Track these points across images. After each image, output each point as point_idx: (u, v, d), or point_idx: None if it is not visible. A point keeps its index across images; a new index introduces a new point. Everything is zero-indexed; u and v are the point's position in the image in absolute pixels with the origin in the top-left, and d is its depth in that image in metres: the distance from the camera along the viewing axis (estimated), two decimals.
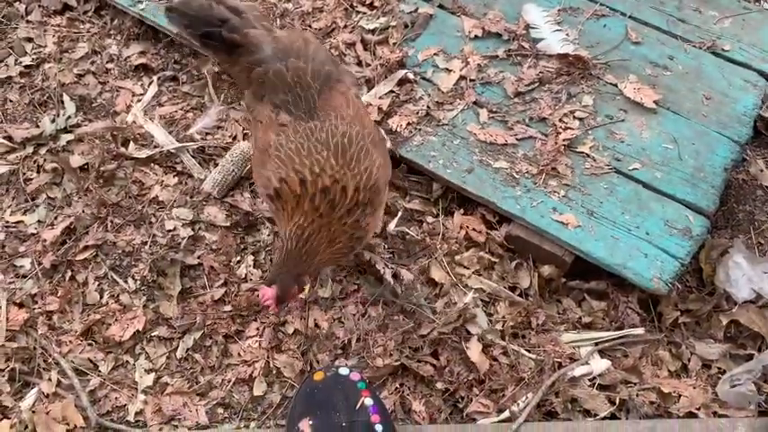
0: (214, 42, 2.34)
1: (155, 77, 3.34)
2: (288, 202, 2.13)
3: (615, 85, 3.04)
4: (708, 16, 3.31)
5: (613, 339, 2.58)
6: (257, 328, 2.62)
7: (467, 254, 2.75)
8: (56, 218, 2.89)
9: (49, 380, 2.53)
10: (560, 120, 2.90)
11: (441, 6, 3.35)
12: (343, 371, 2.25)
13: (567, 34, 3.21)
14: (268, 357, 2.57)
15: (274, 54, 2.29)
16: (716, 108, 2.97)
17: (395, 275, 2.68)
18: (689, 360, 2.56)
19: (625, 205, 2.69)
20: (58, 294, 2.70)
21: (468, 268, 2.72)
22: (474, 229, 2.76)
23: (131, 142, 3.11)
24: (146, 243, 2.84)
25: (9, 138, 3.13)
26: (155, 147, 3.08)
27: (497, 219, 2.78)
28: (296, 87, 2.23)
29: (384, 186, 2.32)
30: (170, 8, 2.42)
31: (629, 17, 3.30)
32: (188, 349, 2.62)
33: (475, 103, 3.00)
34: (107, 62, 3.41)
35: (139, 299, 2.72)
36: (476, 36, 3.21)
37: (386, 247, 2.80)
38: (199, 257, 2.79)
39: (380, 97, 3.01)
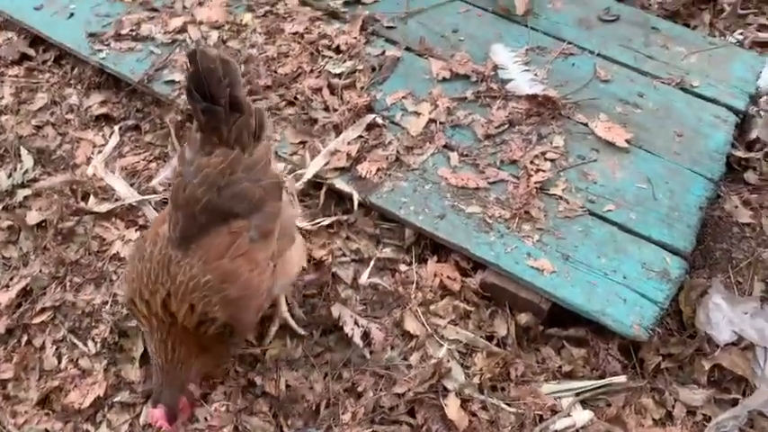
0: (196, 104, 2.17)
1: (116, 127, 3.25)
2: (138, 319, 2.19)
3: (586, 125, 3.01)
4: (675, 52, 3.31)
5: (595, 389, 2.49)
6: (224, 392, 2.49)
7: (442, 303, 2.67)
8: (11, 279, 2.76)
9: None
10: (531, 162, 2.85)
11: (408, 49, 3.32)
12: None
13: (536, 74, 3.18)
14: (237, 421, 2.45)
15: (195, 168, 2.14)
16: (688, 145, 2.94)
17: (365, 335, 2.58)
18: (673, 407, 2.48)
19: (601, 248, 2.63)
20: (14, 361, 2.56)
21: (443, 318, 2.63)
22: (448, 277, 2.67)
23: (91, 196, 3.00)
24: (106, 303, 2.71)
25: None
26: (116, 200, 2.98)
27: (472, 265, 2.71)
28: (180, 210, 2.14)
29: (243, 323, 2.25)
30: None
31: (598, 55, 3.29)
32: None
33: (445, 146, 2.95)
34: (67, 113, 3.32)
35: (100, 362, 2.58)
36: (444, 78, 3.17)
37: (358, 299, 2.70)
38: None
39: (349, 143, 2.95)
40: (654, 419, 2.46)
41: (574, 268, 2.58)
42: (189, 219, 2.13)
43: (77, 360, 2.59)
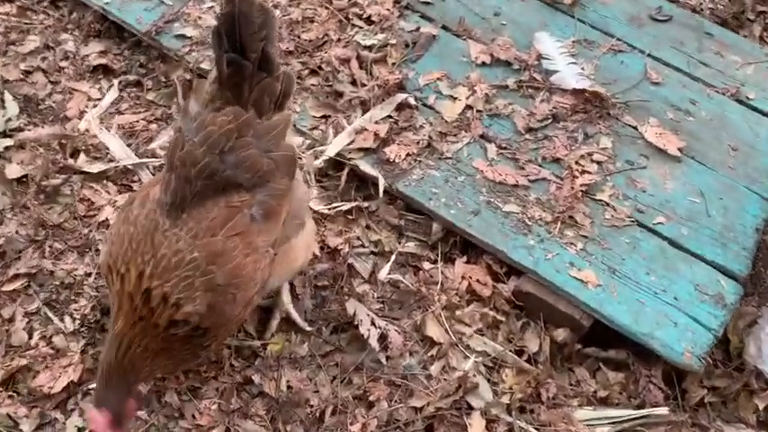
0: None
1: (115, 81, 2.91)
2: (109, 289, 1.88)
3: (635, 128, 2.75)
4: (729, 61, 3.07)
5: (633, 419, 2.23)
6: (217, 388, 2.19)
7: (468, 309, 2.39)
8: None
9: None
10: (576, 162, 2.59)
11: (445, 28, 3.03)
12: None
13: (583, 68, 2.91)
14: (229, 423, 2.14)
15: (198, 124, 1.87)
16: (743, 160, 2.70)
17: (382, 338, 2.29)
18: None
19: (650, 264, 2.37)
20: None
21: (469, 326, 2.36)
22: (478, 281, 2.39)
23: (82, 153, 2.66)
24: (90, 275, 2.38)
25: None
26: (109, 161, 2.65)
27: (505, 270, 2.43)
28: (175, 170, 1.87)
29: (225, 319, 1.91)
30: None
31: (648, 55, 3.03)
32: None
33: (482, 136, 2.67)
34: (61, 60, 2.97)
35: (77, 342, 2.26)
36: (483, 63, 2.89)
37: (375, 296, 2.41)
38: None
39: (377, 122, 2.65)
40: None
41: (621, 283, 2.32)
42: (183, 182, 1.84)
43: (51, 337, 2.27)
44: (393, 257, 2.49)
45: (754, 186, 2.63)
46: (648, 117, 2.79)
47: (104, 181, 2.61)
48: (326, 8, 3.02)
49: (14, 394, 2.15)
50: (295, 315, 2.33)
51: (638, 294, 2.30)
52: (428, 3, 3.11)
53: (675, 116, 2.82)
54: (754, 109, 2.90)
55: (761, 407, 2.25)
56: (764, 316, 2.43)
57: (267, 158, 1.92)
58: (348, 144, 2.60)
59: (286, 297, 2.34)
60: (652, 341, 2.20)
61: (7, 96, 2.79)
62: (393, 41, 2.92)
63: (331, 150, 2.58)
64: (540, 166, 2.59)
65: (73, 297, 2.35)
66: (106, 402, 1.80)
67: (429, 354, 2.31)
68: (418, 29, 2.99)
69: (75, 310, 2.31)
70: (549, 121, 2.72)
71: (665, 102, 2.86)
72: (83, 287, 2.36)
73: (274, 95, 1.96)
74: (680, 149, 2.68)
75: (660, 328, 2.22)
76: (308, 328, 2.33)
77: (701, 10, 3.46)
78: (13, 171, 2.56)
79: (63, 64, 2.97)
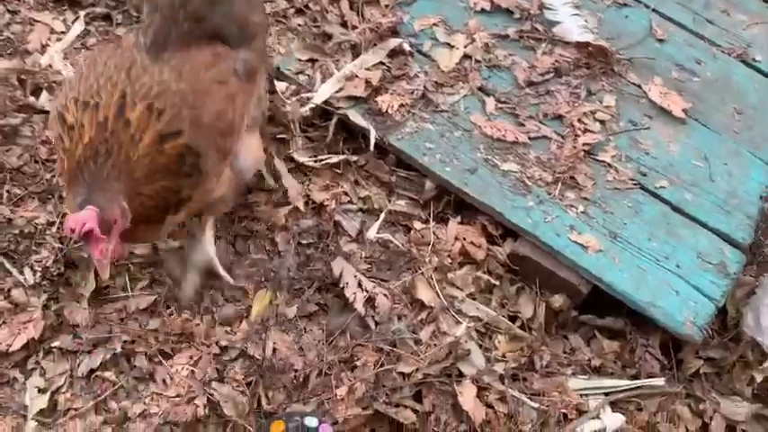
0: None
1: (81, 13, 2.65)
2: (64, 138, 1.65)
3: (639, 86, 2.61)
4: (736, 20, 2.94)
5: (628, 390, 2.15)
6: (190, 356, 2.03)
7: (461, 272, 2.26)
8: None
9: None
10: (579, 120, 2.45)
11: None
12: (311, 421, 1.71)
13: (586, 21, 2.75)
14: (204, 387, 2.00)
15: None
16: (748, 125, 2.59)
17: (368, 301, 2.16)
18: (711, 419, 2.17)
19: (652, 229, 2.27)
20: None
21: (461, 289, 2.23)
22: (472, 243, 2.26)
23: (44, 91, 2.42)
24: (53, 224, 2.18)
25: None
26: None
27: (501, 232, 2.29)
28: (160, 11, 1.77)
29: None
30: None
31: (653, 10, 2.89)
32: (95, 368, 2.00)
33: (480, 88, 2.50)
34: None
35: (38, 297, 2.06)
36: (482, 9, 2.71)
37: (363, 256, 2.26)
38: None
39: (368, 68, 2.46)
40: (688, 430, 2.15)
41: (622, 249, 2.21)
42: (169, 22, 1.76)
43: (9, 291, 2.07)
44: (382, 216, 2.33)
45: (759, 152, 2.53)
46: (653, 75, 2.66)
47: None
48: None
49: None
50: (218, 266, 2.14)
51: (640, 261, 2.19)
52: None
53: (680, 76, 2.69)
54: (760, 71, 2.79)
55: (757, 379, 2.18)
56: (762, 286, 2.35)
57: (254, 15, 1.92)
58: (337, 92, 2.42)
59: (209, 244, 2.14)
60: (653, 310, 2.10)
61: None
62: None
63: (318, 98, 2.39)
64: (540, 122, 2.44)
65: (34, 248, 2.15)
66: (94, 201, 1.52)
67: (419, 318, 2.18)
68: None
69: (37, 261, 2.11)
70: (552, 75, 2.57)
71: (669, 60, 2.73)
72: (44, 237, 2.16)
73: None
74: (684, 111, 2.55)
75: (662, 297, 2.13)
76: (232, 282, 2.16)
77: None
78: None
79: None
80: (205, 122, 1.72)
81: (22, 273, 2.10)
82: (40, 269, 2.10)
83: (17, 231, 2.16)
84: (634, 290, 2.13)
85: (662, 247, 2.23)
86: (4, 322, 2.01)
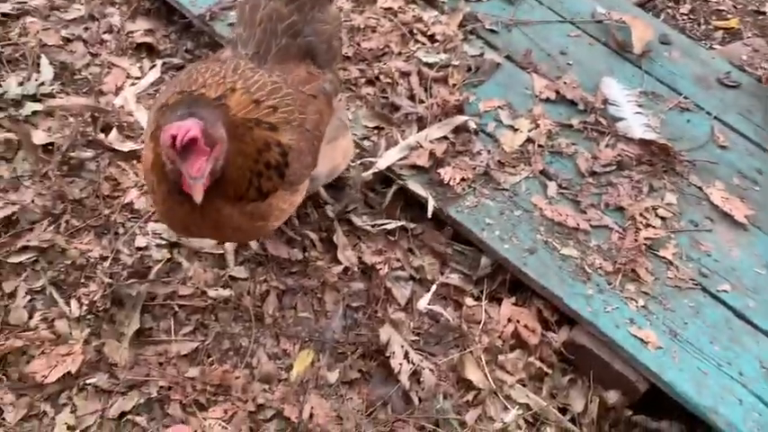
0: None
1: (159, 62, 2.74)
2: None
3: (701, 189, 2.59)
4: None
5: None
6: (225, 410, 1.95)
7: (512, 355, 2.18)
8: None
9: None
10: (641, 214, 2.42)
11: (509, 58, 2.89)
12: None
13: (649, 120, 2.77)
14: None
15: None
16: None
17: (414, 374, 2.08)
18: None
19: (714, 333, 2.18)
20: None
21: (511, 374, 2.14)
22: (526, 326, 2.19)
23: (114, 130, 2.47)
24: (105, 259, 2.17)
25: None
26: (142, 141, 2.45)
27: (556, 318, 2.22)
28: (260, 25, 1.85)
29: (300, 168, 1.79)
30: None
31: (715, 118, 2.89)
32: (127, 411, 1.93)
33: (542, 172, 2.50)
34: (104, 32, 2.81)
35: (81, 330, 2.03)
36: (547, 98, 2.74)
37: (411, 327, 2.20)
38: (170, 293, 2.13)
39: (432, 141, 2.48)
40: None
41: (682, 349, 2.12)
42: (269, 35, 1.84)
43: (53, 321, 2.04)
44: (434, 287, 2.28)
45: None
46: (714, 180, 2.63)
47: (133, 161, 2.41)
48: (390, 20, 2.88)
49: (4, 377, 1.91)
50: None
51: (701, 363, 2.10)
52: (494, 31, 2.97)
53: (742, 183, 2.66)
54: None
55: None
56: None
57: (337, 39, 2.05)
58: (400, 159, 2.43)
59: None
60: (715, 417, 1.99)
61: (44, 60, 2.61)
62: (456, 63, 2.78)
63: (382, 163, 2.40)
64: (602, 212, 2.41)
65: (83, 280, 2.13)
66: (199, 115, 1.42)
67: (464, 399, 2.09)
68: (482, 55, 2.85)
69: (84, 294, 2.09)
70: (614, 167, 2.56)
71: (731, 167, 2.71)
72: (95, 271, 2.15)
73: None
74: (747, 217, 2.51)
75: (724, 404, 2.01)
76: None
77: None
78: (40, 137, 2.36)
79: (106, 37, 2.80)
80: (307, 128, 1.79)
81: (68, 304, 2.07)
82: (86, 302, 2.08)
83: (69, 262, 2.15)
84: (695, 393, 2.02)
85: (724, 353, 2.14)
86: (42, 352, 1.97)
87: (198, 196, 1.42)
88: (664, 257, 2.34)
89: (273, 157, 1.65)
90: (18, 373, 1.92)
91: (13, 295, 2.05)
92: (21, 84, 2.51)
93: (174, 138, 1.35)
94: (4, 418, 1.86)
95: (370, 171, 2.41)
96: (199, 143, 1.37)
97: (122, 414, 1.92)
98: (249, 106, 1.64)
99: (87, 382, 1.95)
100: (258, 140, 1.62)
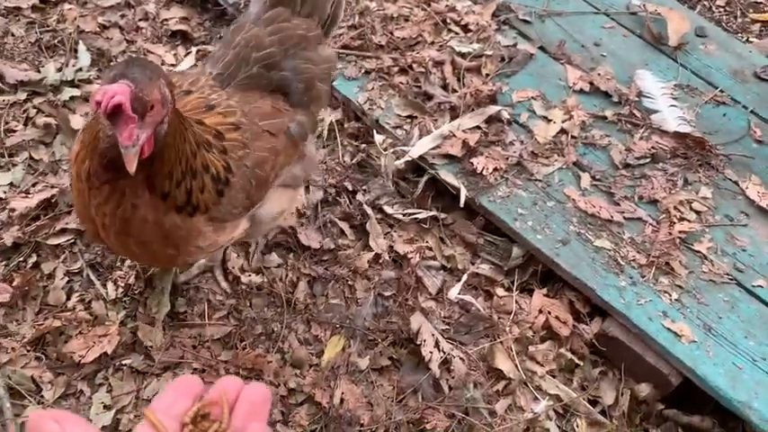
0: None
1: (193, 49, 2.77)
2: None
3: (736, 183, 2.55)
4: None
5: None
6: None
7: (543, 346, 2.17)
8: (34, 185, 2.24)
9: None
10: (675, 207, 2.39)
11: (542, 49, 2.87)
12: None
13: (684, 113, 2.73)
14: None
15: (257, 18, 1.80)
16: None
17: (444, 363, 2.08)
18: None
19: (749, 327, 2.15)
20: (13, 283, 2.03)
21: (542, 365, 2.13)
22: (557, 318, 2.18)
23: None
24: None
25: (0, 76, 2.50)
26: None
27: (588, 310, 2.21)
28: (234, 48, 1.77)
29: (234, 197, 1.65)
30: None
31: (752, 112, 2.85)
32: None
33: (575, 163, 2.48)
34: (140, 19, 2.83)
35: (117, 312, 2.06)
36: (581, 90, 2.72)
37: (442, 316, 2.20)
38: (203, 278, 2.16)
39: (464, 130, 2.47)
40: None
41: (717, 344, 2.09)
42: (239, 60, 1.75)
43: (90, 302, 2.07)
44: (465, 277, 2.28)
45: None
46: (750, 174, 2.59)
47: None
48: (424, 9, 2.88)
49: (42, 356, 1.95)
50: (219, 274, 2.18)
51: (736, 358, 2.07)
52: (527, 21, 2.95)
53: None
54: None
55: None
56: None
57: (321, 82, 1.89)
58: (433, 148, 2.42)
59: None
60: (750, 412, 1.96)
61: (81, 47, 2.65)
62: (489, 53, 2.76)
63: (414, 152, 2.40)
64: (636, 204, 2.39)
65: (118, 264, 2.16)
66: (131, 74, 1.27)
67: (494, 388, 2.09)
68: (515, 45, 2.83)
69: (120, 277, 2.12)
70: (648, 160, 2.53)
71: (767, 161, 2.67)
72: None
73: (323, 15, 1.89)
74: None
75: (758, 399, 1.99)
76: (228, 290, 2.16)
77: None
78: (78, 122, 2.39)
79: (141, 24, 2.83)
80: (246, 164, 1.65)
81: (104, 286, 2.10)
82: (122, 285, 2.10)
83: (106, 246, 2.17)
84: (729, 387, 2.00)
85: (759, 348, 2.11)
86: (80, 333, 2.00)
87: (131, 166, 1.28)
88: (698, 251, 2.31)
89: (214, 164, 1.55)
90: (56, 352, 1.96)
91: (51, 276, 2.09)
92: (59, 69, 2.55)
93: (99, 103, 1.23)
94: (42, 396, 1.90)
95: (402, 160, 2.41)
96: (125, 108, 1.24)
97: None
98: (201, 108, 1.60)
99: (123, 362, 1.98)
100: (201, 136, 1.53)
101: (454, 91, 2.62)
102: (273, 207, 1.87)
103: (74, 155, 1.55)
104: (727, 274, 2.28)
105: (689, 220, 2.37)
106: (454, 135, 2.43)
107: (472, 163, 2.38)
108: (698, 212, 2.42)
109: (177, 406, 0.79)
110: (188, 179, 1.50)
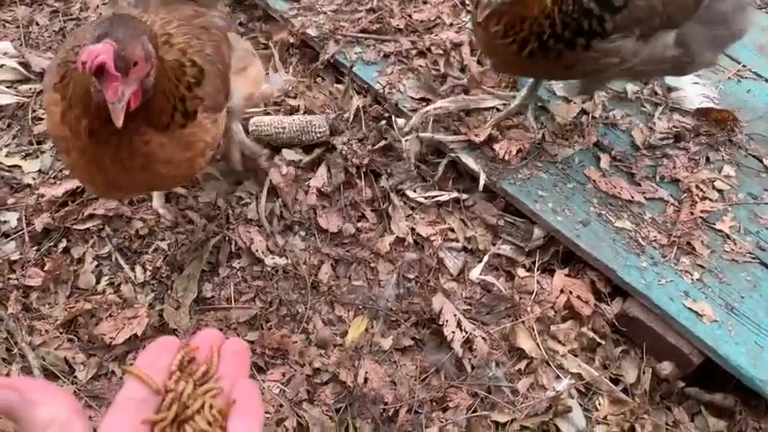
0: None
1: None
2: None
3: (760, 161, 2.53)
4: None
5: None
6: (283, 373, 2.01)
7: (564, 326, 2.18)
8: (62, 171, 2.29)
9: (7, 375, 1.91)
10: (697, 186, 2.38)
11: None
12: None
13: (707, 90, 2.71)
14: (293, 407, 1.97)
15: None
16: None
17: (466, 342, 2.11)
18: None
19: None
20: (44, 267, 2.09)
21: (563, 344, 2.15)
22: (579, 297, 2.19)
23: None
24: (169, 228, 2.24)
25: (25, 65, 2.55)
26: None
27: (609, 290, 2.22)
28: None
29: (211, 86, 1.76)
30: None
31: None
32: None
33: (596, 144, 2.48)
34: None
35: (145, 295, 2.11)
36: None
37: (463, 296, 2.23)
38: (229, 262, 2.20)
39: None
40: None
41: (739, 323, 2.09)
42: None
43: (119, 285, 2.13)
44: (486, 258, 2.30)
45: None
46: None
47: None
48: None
49: (74, 338, 2.01)
50: (247, 142, 2.32)
51: (758, 337, 2.07)
52: None
53: None
54: None
55: None
56: None
57: None
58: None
59: (239, 134, 2.30)
60: None
61: None
62: None
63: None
64: (657, 184, 2.39)
65: (145, 248, 2.21)
66: (114, 34, 1.34)
67: (516, 367, 2.11)
68: None
69: (148, 261, 2.17)
70: (670, 139, 2.52)
71: None
72: (157, 240, 2.22)
73: None
74: None
75: None
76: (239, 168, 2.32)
77: None
78: None
79: None
80: (208, 53, 1.78)
81: (133, 270, 2.16)
82: (150, 269, 2.15)
83: (133, 232, 2.23)
84: (751, 366, 2.00)
85: None
86: (110, 315, 2.06)
87: (118, 120, 1.37)
88: (720, 230, 2.30)
89: (191, 77, 1.66)
90: (88, 334, 2.02)
91: (81, 261, 2.14)
92: None
93: (84, 64, 1.30)
94: (75, 377, 1.96)
95: (424, 144, 2.42)
96: (108, 68, 1.30)
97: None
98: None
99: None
100: (173, 65, 1.61)
101: (471, 72, 2.62)
102: (239, 94, 2.04)
103: (59, 116, 1.59)
104: (750, 253, 2.27)
105: (711, 200, 2.36)
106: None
107: (494, 149, 2.38)
108: (720, 191, 2.40)
109: (160, 360, 0.80)
110: (179, 105, 1.62)
